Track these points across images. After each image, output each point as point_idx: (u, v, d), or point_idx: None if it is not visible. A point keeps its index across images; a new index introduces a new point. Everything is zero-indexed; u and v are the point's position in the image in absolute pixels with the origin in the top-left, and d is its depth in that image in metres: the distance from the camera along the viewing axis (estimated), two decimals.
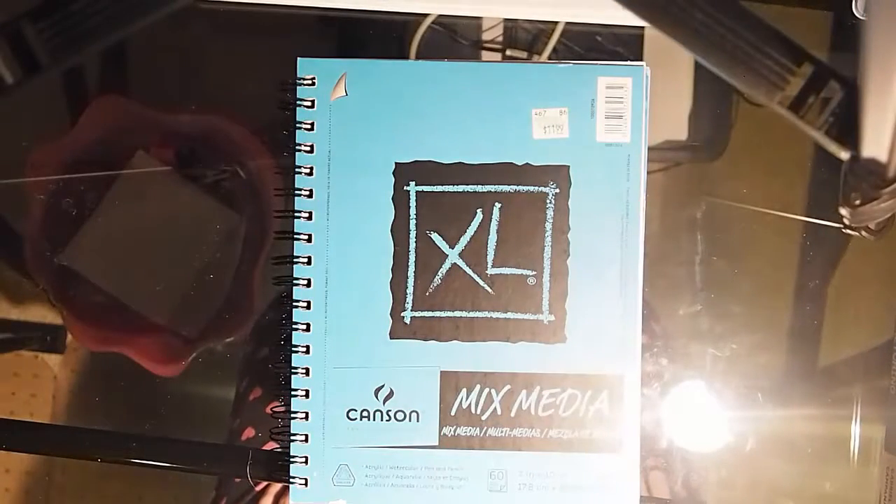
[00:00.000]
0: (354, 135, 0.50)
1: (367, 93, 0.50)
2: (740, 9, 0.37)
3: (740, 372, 0.62)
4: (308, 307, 0.50)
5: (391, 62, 0.50)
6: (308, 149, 0.50)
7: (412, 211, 0.50)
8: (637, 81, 0.50)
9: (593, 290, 0.50)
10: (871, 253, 0.64)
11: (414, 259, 0.50)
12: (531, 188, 0.50)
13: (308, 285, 0.50)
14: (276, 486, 0.56)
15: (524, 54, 0.63)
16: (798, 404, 0.64)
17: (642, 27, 0.61)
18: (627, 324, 0.50)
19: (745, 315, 0.63)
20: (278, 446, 0.51)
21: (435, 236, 0.50)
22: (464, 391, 0.50)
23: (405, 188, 0.50)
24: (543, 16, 0.60)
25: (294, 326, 0.50)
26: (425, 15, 0.61)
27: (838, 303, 0.64)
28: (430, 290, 0.50)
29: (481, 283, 0.50)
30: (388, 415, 0.50)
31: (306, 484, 0.50)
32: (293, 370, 0.50)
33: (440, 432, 0.50)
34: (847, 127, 0.38)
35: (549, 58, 0.62)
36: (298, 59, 0.50)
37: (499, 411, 0.50)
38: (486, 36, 0.64)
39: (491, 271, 0.50)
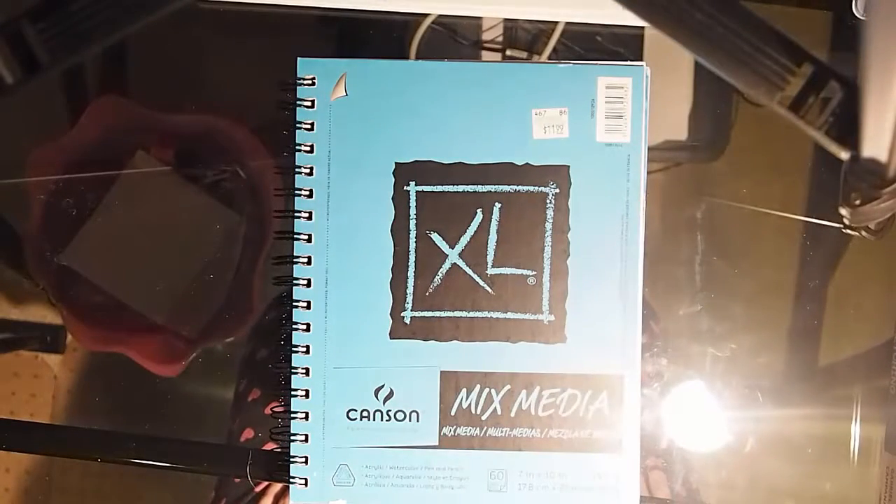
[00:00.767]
0: (354, 135, 0.50)
1: (367, 93, 0.50)
2: (740, 9, 0.37)
3: (740, 372, 0.62)
4: (308, 307, 0.50)
5: (391, 62, 0.50)
6: (308, 149, 0.50)
7: (412, 211, 0.50)
8: (637, 81, 0.50)
9: (593, 290, 0.50)
10: (871, 253, 0.64)
11: (414, 259, 0.50)
12: (531, 188, 0.50)
13: (308, 285, 0.50)
14: (276, 487, 0.56)
15: (524, 54, 0.63)
16: (798, 404, 0.64)
17: (642, 27, 0.61)
18: (627, 324, 0.50)
19: (745, 315, 0.63)
20: (278, 447, 0.51)
21: (435, 236, 0.50)
22: (464, 391, 0.50)
23: (405, 188, 0.50)
24: (543, 16, 0.60)
25: (294, 326, 0.50)
26: (425, 15, 0.61)
27: (838, 303, 0.64)
28: (430, 290, 0.50)
29: (481, 283, 0.50)
30: (388, 415, 0.50)
31: (306, 484, 0.50)
32: (293, 370, 0.50)
33: (440, 432, 0.50)
34: (847, 127, 0.38)
35: (549, 58, 0.62)
36: (298, 59, 0.50)
37: (499, 411, 0.50)
38: (486, 36, 0.64)
39: (491, 271, 0.50)
